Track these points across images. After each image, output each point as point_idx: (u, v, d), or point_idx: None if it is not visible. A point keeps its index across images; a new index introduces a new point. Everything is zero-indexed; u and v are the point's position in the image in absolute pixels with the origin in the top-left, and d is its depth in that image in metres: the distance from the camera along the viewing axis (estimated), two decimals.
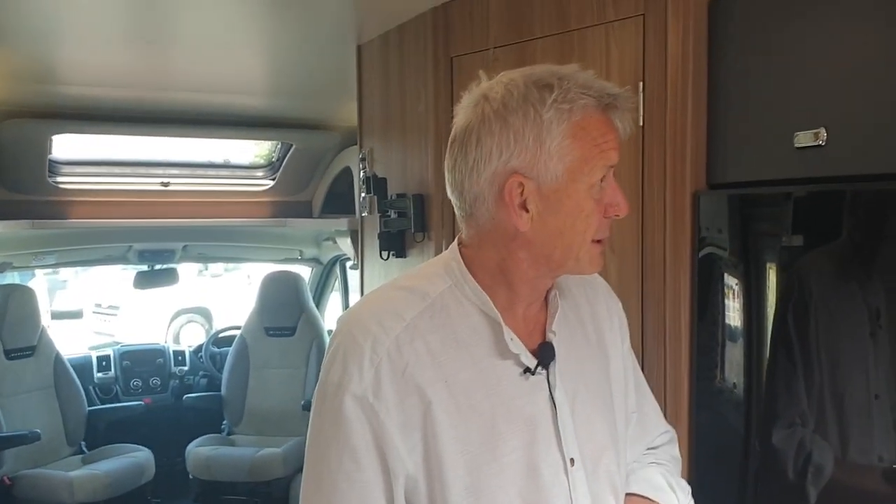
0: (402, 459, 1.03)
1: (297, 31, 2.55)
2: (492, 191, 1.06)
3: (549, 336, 1.12)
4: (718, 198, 1.62)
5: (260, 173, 4.21)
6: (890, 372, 1.28)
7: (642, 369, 1.43)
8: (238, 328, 4.75)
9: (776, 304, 1.50)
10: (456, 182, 1.09)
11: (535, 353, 1.10)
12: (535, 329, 1.13)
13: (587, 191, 1.04)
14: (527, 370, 1.08)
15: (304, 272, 4.93)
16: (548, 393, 1.09)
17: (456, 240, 1.15)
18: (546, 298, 1.15)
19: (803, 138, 1.43)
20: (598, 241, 1.09)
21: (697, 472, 1.65)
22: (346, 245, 3.86)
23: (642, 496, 1.20)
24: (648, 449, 1.29)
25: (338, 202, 4.07)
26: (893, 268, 1.30)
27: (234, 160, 4.22)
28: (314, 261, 4.88)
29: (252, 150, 4.27)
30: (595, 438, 1.13)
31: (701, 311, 1.64)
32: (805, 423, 1.44)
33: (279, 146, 4.06)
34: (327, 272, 4.93)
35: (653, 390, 1.33)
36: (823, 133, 1.39)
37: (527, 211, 1.05)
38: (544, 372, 1.09)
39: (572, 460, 1.09)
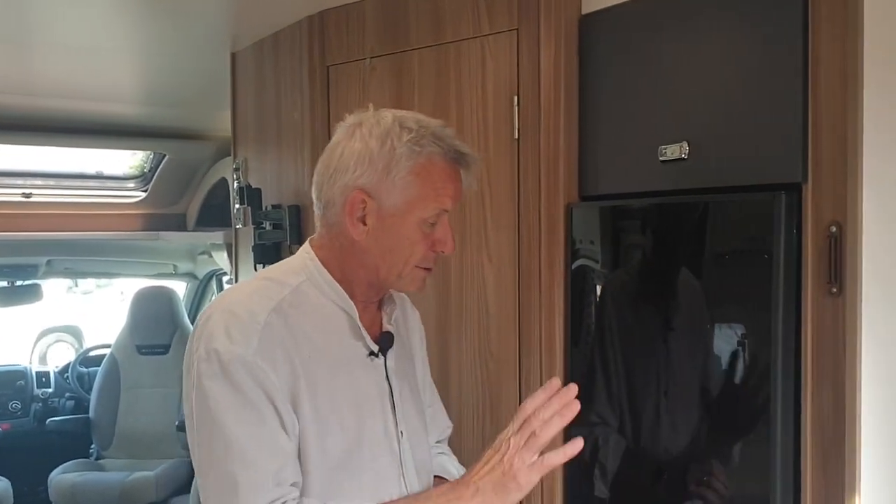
0: (291, 416, 1.18)
1: (171, 37, 2.46)
2: (341, 200, 1.24)
3: (388, 328, 1.33)
4: (590, 210, 1.66)
5: (131, 184, 4.03)
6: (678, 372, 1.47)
7: (518, 378, 1.69)
8: (108, 346, 4.52)
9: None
10: (318, 184, 1.28)
11: (376, 341, 1.30)
12: (374, 323, 1.33)
13: (417, 224, 1.24)
14: (371, 353, 1.28)
15: (179, 288, 4.75)
16: (384, 374, 1.30)
17: (308, 241, 1.32)
18: (381, 301, 1.35)
19: (668, 151, 1.48)
20: (425, 269, 1.28)
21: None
22: (222, 259, 3.74)
23: (443, 478, 1.44)
24: (437, 441, 1.51)
25: (214, 215, 3.95)
26: (674, 280, 1.48)
27: (109, 171, 4.03)
28: (189, 276, 4.72)
29: (128, 161, 4.09)
30: (413, 420, 1.35)
31: (574, 322, 1.67)
32: (606, 423, 1.61)
33: (152, 156, 3.90)
34: (203, 287, 4.77)
35: (529, 392, 1.43)
36: (686, 146, 1.45)
37: (364, 224, 1.24)
38: (382, 358, 1.30)
39: (402, 432, 1.31)
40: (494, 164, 1.74)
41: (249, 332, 1.17)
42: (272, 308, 1.20)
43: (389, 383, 1.31)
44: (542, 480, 1.18)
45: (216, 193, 3.91)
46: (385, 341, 1.31)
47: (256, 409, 1.15)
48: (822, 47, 1.25)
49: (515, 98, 1.70)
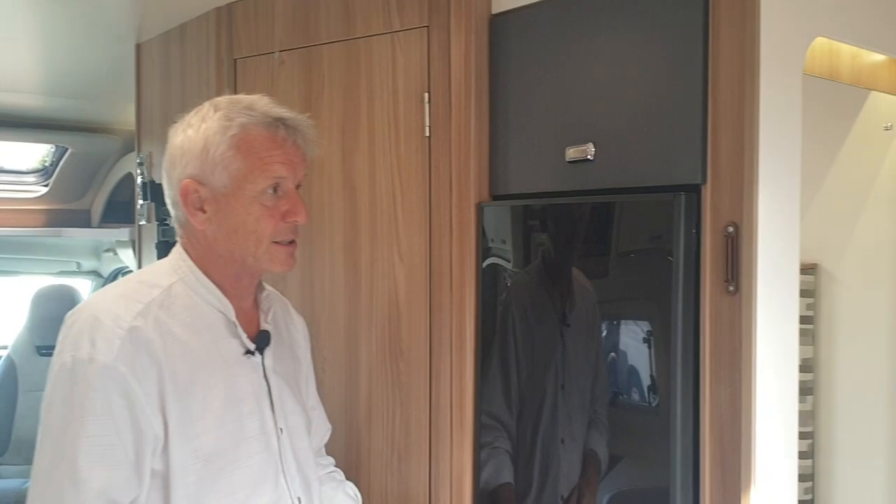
0: (151, 423, 1.16)
1: (73, 25, 2.35)
2: (179, 194, 1.25)
3: (265, 326, 1.34)
4: (501, 209, 1.66)
5: (31, 178, 3.85)
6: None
7: (429, 378, 1.70)
8: (4, 348, 4.31)
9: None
10: (165, 189, 1.30)
11: (253, 339, 1.31)
12: (251, 321, 1.34)
13: (253, 198, 1.24)
14: (248, 352, 1.29)
15: (84, 286, 4.57)
16: (262, 373, 1.31)
17: (175, 248, 1.32)
18: (257, 299, 1.36)
19: (574, 153, 1.49)
20: (286, 244, 1.28)
21: None
22: (128, 256, 3.63)
23: None
24: (319, 458, 1.52)
25: (120, 211, 3.82)
26: (570, 278, 1.52)
27: (8, 165, 3.84)
28: (94, 274, 4.54)
29: (29, 154, 3.90)
30: (294, 418, 1.35)
31: (485, 320, 1.68)
32: (501, 421, 1.65)
33: (53, 150, 3.74)
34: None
35: (442, 399, 1.58)
36: (592, 148, 1.47)
37: (204, 212, 1.25)
38: (260, 356, 1.31)
39: (281, 429, 1.31)
40: (406, 162, 1.73)
41: (111, 338, 1.15)
42: (139, 311, 1.19)
43: (267, 381, 1.31)
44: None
45: (122, 189, 3.79)
46: (262, 339, 1.32)
47: (106, 423, 1.13)
48: (721, 50, 1.29)
49: (426, 95, 1.69)
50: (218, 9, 2.04)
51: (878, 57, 1.67)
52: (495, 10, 1.67)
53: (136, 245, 2.68)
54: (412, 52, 1.72)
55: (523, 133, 1.62)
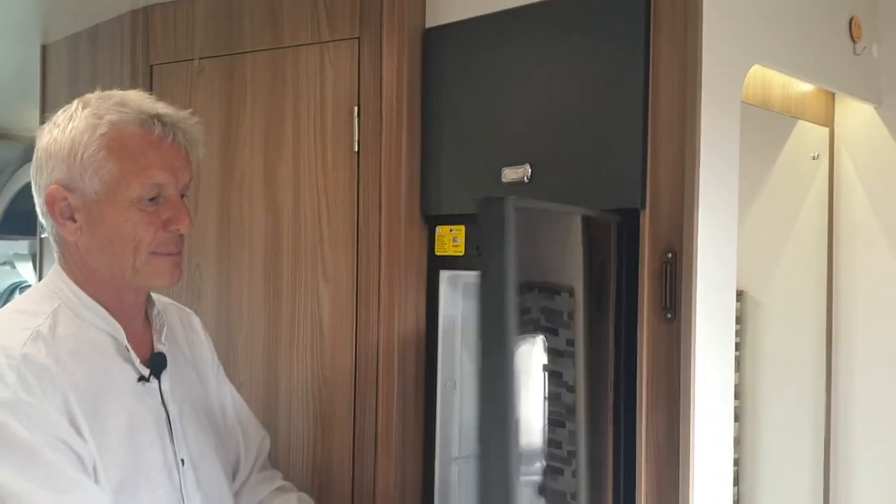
0: (78, 442, 1.07)
1: None
2: (47, 203, 1.13)
3: (159, 347, 1.23)
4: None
5: None
6: None
7: (353, 403, 1.61)
8: None
9: None
10: (35, 197, 1.17)
11: (146, 364, 1.20)
12: (143, 342, 1.22)
13: (129, 205, 1.12)
14: (141, 378, 1.18)
15: None
16: (160, 399, 1.20)
17: (53, 267, 1.20)
18: (148, 316, 1.25)
19: (510, 174, 1.45)
20: (167, 255, 1.16)
21: None
22: (27, 270, 3.41)
23: None
24: (263, 472, 1.43)
25: (19, 222, 3.60)
26: None
27: None
28: None
29: None
30: (200, 444, 1.25)
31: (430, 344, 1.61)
32: None
33: None
34: (4, 301, 4.33)
35: (365, 417, 1.55)
36: (528, 169, 1.43)
37: (74, 221, 1.13)
38: (156, 381, 1.20)
39: (183, 461, 1.21)
40: (333, 178, 1.65)
41: (5, 370, 1.04)
42: (28, 338, 1.08)
43: (166, 408, 1.21)
44: None
45: (22, 199, 3.57)
46: (157, 363, 1.21)
47: (32, 457, 1.03)
48: (661, 73, 1.27)
49: (356, 109, 1.62)
50: (133, 12, 1.92)
51: (807, 87, 1.69)
52: (429, 23, 1.62)
53: (37, 258, 2.52)
54: (342, 64, 1.65)
55: (458, 151, 1.57)
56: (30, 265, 3.31)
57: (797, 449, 1.81)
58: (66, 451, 1.05)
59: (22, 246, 3.36)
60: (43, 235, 2.34)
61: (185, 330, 1.36)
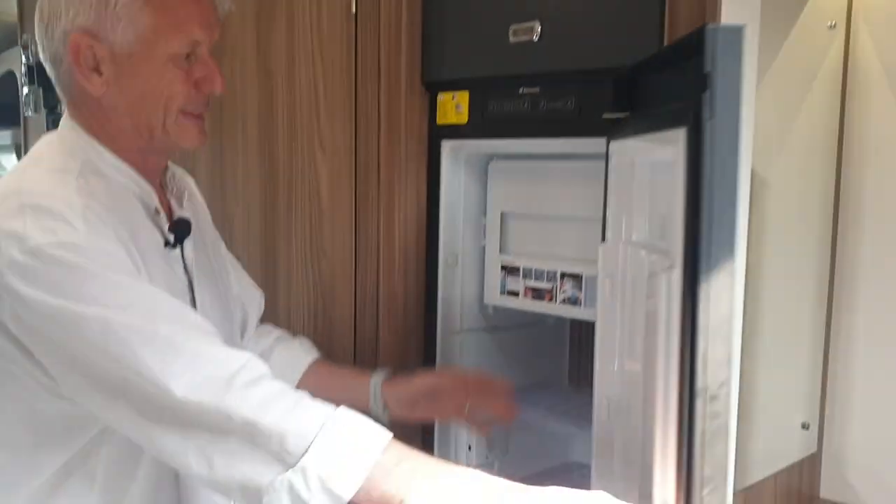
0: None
1: None
2: (66, 52, 1.04)
3: (181, 213, 1.18)
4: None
5: None
6: None
7: (354, 277, 1.60)
8: None
9: None
10: (40, 44, 1.09)
11: (170, 229, 1.14)
12: (163, 207, 1.15)
13: (166, 60, 1.06)
14: (167, 243, 1.13)
15: None
16: (183, 266, 1.16)
17: (63, 121, 1.12)
18: (162, 180, 1.20)
19: (518, 32, 1.37)
20: (194, 116, 1.11)
21: None
22: (10, 163, 3.32)
23: None
24: (259, 331, 1.42)
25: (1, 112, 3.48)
26: None
27: None
28: None
29: None
30: (214, 314, 1.20)
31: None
32: None
33: None
34: None
35: (366, 291, 1.51)
36: (537, 27, 1.35)
37: (100, 74, 1.05)
38: (179, 247, 1.15)
39: None
40: (328, 43, 1.57)
41: (71, 218, 0.97)
42: (75, 190, 1.01)
43: (189, 275, 1.17)
44: None
45: (3, 90, 3.44)
46: (181, 229, 1.16)
47: (116, 287, 0.97)
48: None
49: None
50: None
51: None
52: None
53: (21, 148, 2.44)
54: None
55: (461, 10, 1.48)
56: (13, 156, 3.21)
57: (798, 327, 1.79)
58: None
59: (4, 137, 3.26)
60: (28, 114, 2.25)
61: (190, 194, 1.30)
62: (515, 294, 1.54)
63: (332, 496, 0.90)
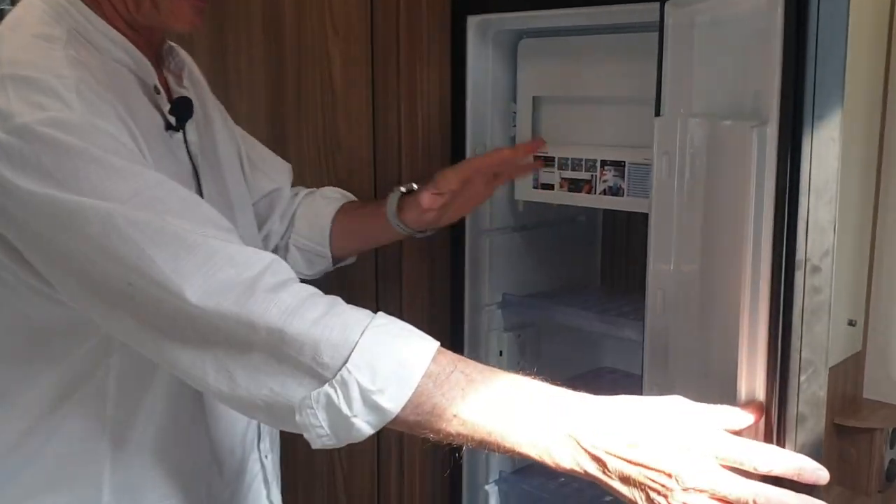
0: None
1: None
2: None
3: (181, 91, 1.05)
4: None
5: None
6: None
7: (374, 172, 1.47)
8: None
9: None
10: None
11: (171, 110, 1.01)
12: (160, 85, 1.01)
13: None
14: (168, 126, 1.00)
15: None
16: (186, 152, 1.03)
17: None
18: (158, 56, 1.05)
19: None
20: None
21: None
22: None
23: None
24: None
25: None
26: None
27: None
28: None
29: None
30: (224, 206, 1.08)
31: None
32: None
33: None
34: None
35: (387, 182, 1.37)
36: None
37: None
38: (182, 130, 1.02)
39: None
40: None
41: (63, 92, 0.83)
42: (65, 60, 0.86)
43: (193, 162, 1.04)
44: None
45: None
46: (183, 109, 1.02)
47: (117, 172, 0.83)
48: None
49: None
50: None
51: None
52: None
53: None
54: None
55: None
56: None
57: (845, 220, 1.69)
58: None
59: None
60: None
61: (190, 71, 1.15)
62: (550, 187, 1.42)
63: (378, 411, 0.79)
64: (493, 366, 1.46)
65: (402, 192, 1.26)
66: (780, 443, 0.79)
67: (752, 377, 0.82)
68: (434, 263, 1.44)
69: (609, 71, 1.33)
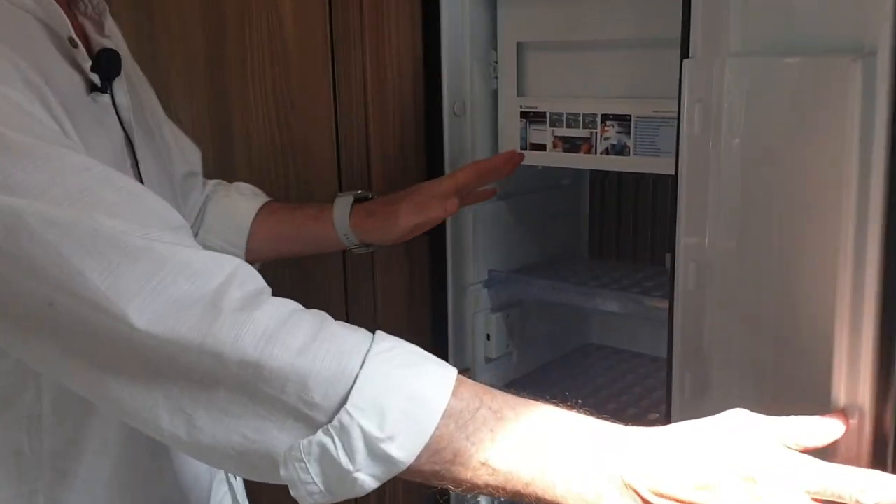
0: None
1: None
2: None
3: (103, 42, 0.83)
4: None
5: None
6: None
7: (335, 133, 1.25)
8: None
9: None
10: None
11: (94, 67, 0.79)
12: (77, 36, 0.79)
13: None
14: (93, 88, 0.79)
15: None
16: (117, 119, 0.83)
17: None
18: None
19: None
20: None
21: None
22: None
23: None
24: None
25: None
26: None
27: None
28: None
29: None
30: (165, 188, 0.92)
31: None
32: None
33: None
34: None
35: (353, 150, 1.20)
36: None
37: None
38: (109, 91, 0.81)
39: None
40: None
41: None
42: None
43: (127, 133, 0.84)
44: None
45: None
46: (108, 65, 0.80)
47: (44, 137, 0.64)
48: None
49: None
50: None
51: None
52: None
53: None
54: None
55: None
56: None
57: None
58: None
59: None
60: None
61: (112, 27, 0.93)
62: (541, 147, 1.24)
63: (387, 462, 0.61)
64: (480, 352, 1.31)
65: (354, 199, 1.10)
66: (887, 466, 0.64)
67: (852, 383, 0.66)
68: (411, 241, 1.25)
69: (608, 8, 1.15)
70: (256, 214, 1.10)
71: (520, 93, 1.25)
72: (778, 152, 0.83)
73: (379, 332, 0.66)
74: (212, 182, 1.15)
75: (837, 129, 0.66)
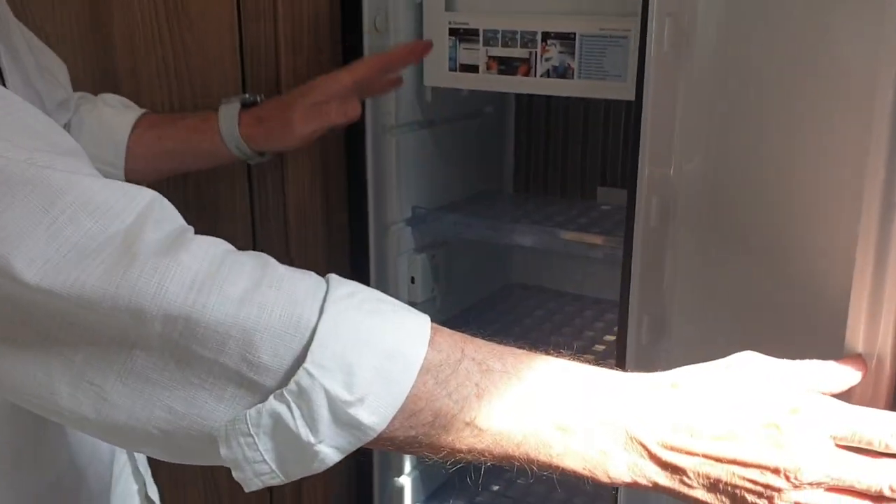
0: None
1: None
2: None
3: None
4: None
5: None
6: None
7: (240, 51, 1.11)
8: None
9: None
10: None
11: None
12: None
13: None
14: None
15: None
16: None
17: None
18: None
19: None
20: None
21: None
22: None
23: None
24: None
25: None
26: None
27: None
28: None
29: None
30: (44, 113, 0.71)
31: None
32: None
33: None
34: None
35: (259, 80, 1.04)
36: None
37: None
38: None
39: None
40: None
41: None
42: None
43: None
44: None
45: None
46: None
47: None
48: None
49: None
50: None
51: None
52: None
53: None
54: None
55: None
56: None
57: None
58: None
59: None
60: None
61: None
62: (473, 69, 1.12)
63: (355, 429, 0.49)
64: (404, 297, 1.20)
65: (242, 105, 0.98)
66: None
67: (870, 328, 0.59)
68: (327, 173, 1.11)
69: None
70: (132, 130, 0.97)
71: (448, 7, 1.12)
72: (758, 69, 0.74)
73: (333, 276, 0.53)
74: (75, 95, 0.98)
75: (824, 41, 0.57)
